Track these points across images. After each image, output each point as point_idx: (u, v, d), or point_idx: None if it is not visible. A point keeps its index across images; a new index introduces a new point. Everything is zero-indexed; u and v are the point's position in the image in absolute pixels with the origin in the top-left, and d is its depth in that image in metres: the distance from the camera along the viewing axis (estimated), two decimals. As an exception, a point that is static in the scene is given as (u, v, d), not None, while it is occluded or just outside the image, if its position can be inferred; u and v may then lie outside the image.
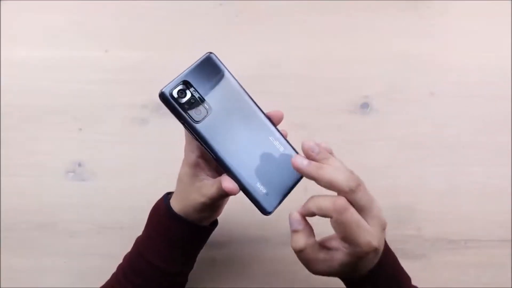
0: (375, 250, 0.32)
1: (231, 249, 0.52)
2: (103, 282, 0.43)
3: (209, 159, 0.38)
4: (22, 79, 0.55)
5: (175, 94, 0.33)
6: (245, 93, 0.36)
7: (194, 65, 0.34)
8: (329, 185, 0.32)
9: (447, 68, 0.56)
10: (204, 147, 0.35)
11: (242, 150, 0.35)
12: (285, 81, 0.55)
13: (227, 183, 0.35)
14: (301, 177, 0.37)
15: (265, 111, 0.37)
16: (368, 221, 0.32)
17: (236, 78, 0.36)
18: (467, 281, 0.52)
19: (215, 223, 0.44)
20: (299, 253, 0.33)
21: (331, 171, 0.32)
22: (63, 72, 0.55)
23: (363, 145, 0.54)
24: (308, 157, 0.34)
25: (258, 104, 0.37)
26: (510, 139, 0.54)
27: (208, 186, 0.37)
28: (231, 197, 0.40)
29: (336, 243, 0.33)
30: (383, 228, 0.34)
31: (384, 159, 0.54)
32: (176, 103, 0.33)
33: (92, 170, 0.54)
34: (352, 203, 0.32)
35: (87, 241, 0.52)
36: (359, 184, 0.32)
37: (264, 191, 0.35)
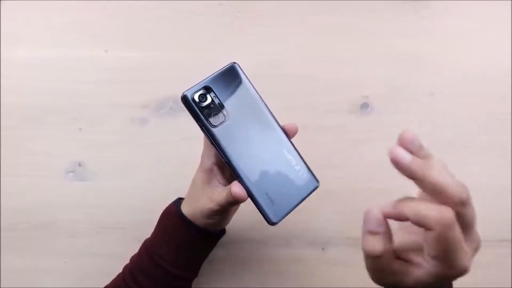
0: (464, 274, 0.27)
1: (231, 249, 0.52)
2: (103, 282, 0.43)
3: (224, 168, 0.39)
4: (22, 79, 0.55)
5: (196, 98, 0.35)
6: (263, 104, 0.37)
7: (217, 72, 0.36)
8: (435, 190, 0.26)
9: (447, 68, 0.56)
10: (218, 151, 0.36)
11: (255, 159, 0.36)
12: (285, 81, 0.55)
13: (236, 188, 0.35)
14: (310, 193, 0.37)
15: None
16: (467, 241, 0.27)
17: (257, 89, 0.37)
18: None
19: (222, 231, 0.44)
20: (374, 259, 0.27)
21: (441, 173, 0.26)
22: (63, 72, 0.55)
23: (363, 145, 0.54)
24: (407, 151, 0.29)
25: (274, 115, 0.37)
26: (510, 138, 0.54)
27: (218, 192, 0.38)
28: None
29: (418, 258, 0.28)
30: (476, 250, 0.29)
31: (384, 159, 0.54)
32: (196, 107, 0.35)
33: (92, 170, 0.54)
34: (458, 217, 0.26)
35: (87, 241, 0.52)
36: (469, 196, 0.27)
37: (272, 201, 0.36)
